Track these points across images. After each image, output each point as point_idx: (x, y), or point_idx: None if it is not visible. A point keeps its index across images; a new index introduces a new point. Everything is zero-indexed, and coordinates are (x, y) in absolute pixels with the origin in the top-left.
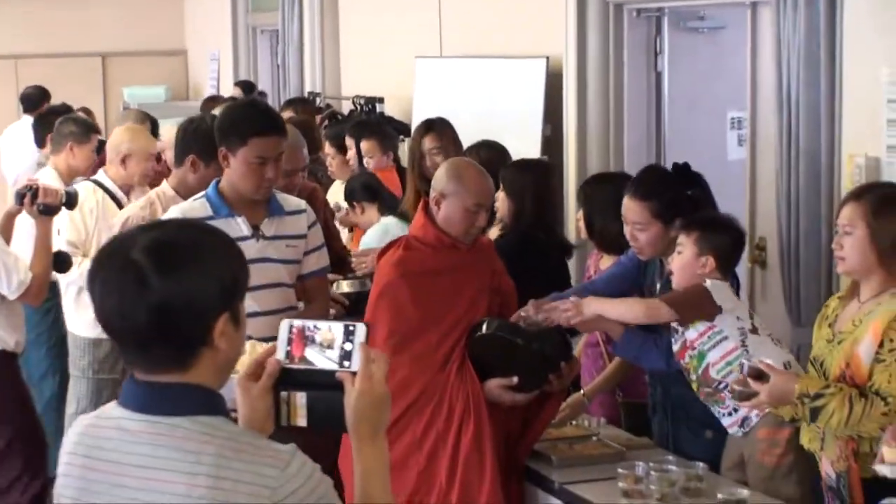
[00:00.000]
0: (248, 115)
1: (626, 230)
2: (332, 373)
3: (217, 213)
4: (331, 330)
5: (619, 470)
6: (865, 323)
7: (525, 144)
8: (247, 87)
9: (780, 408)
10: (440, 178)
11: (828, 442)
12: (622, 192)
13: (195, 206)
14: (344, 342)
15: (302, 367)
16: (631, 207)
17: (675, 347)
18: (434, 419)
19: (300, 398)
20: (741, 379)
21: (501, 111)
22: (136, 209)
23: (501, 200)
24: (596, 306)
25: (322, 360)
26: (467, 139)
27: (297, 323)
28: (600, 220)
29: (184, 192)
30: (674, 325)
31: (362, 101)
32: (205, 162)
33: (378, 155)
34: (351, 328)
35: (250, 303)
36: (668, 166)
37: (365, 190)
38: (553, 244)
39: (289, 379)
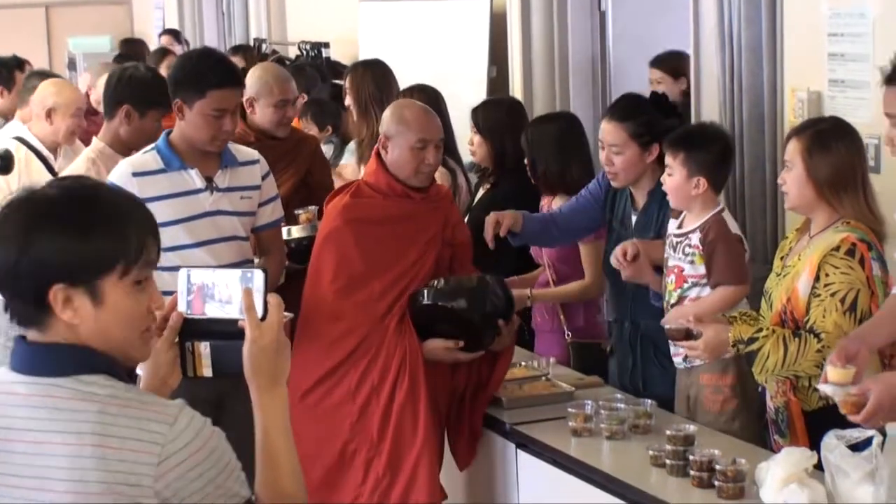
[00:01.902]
0: (206, 66)
1: (602, 156)
2: (234, 321)
3: (168, 166)
4: (228, 286)
5: (569, 409)
6: (804, 257)
7: (471, 86)
8: (175, 36)
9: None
10: (384, 121)
11: (769, 378)
12: (563, 131)
13: (146, 160)
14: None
15: (205, 316)
16: (608, 129)
17: (671, 278)
18: (369, 372)
19: (204, 348)
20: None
21: (446, 53)
22: (76, 170)
23: (478, 144)
24: (689, 310)
25: (223, 312)
26: (414, 82)
27: (195, 276)
28: (542, 161)
29: (119, 148)
30: (689, 255)
31: (308, 47)
32: (140, 113)
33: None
34: (248, 275)
35: (206, 257)
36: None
37: None
38: None
39: (193, 329)
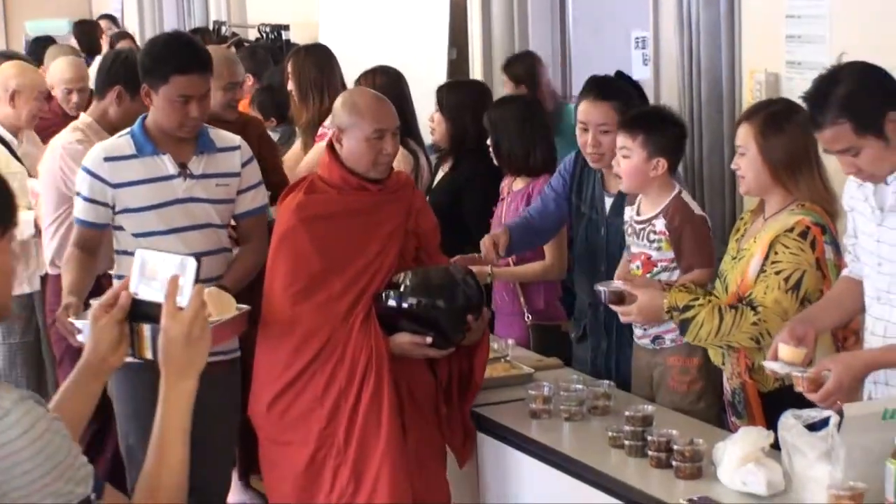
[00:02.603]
0: (170, 51)
1: (585, 138)
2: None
3: (141, 152)
4: (166, 272)
5: (528, 391)
6: (759, 240)
7: (431, 68)
8: (113, 20)
9: None
10: (336, 112)
11: (726, 359)
12: (527, 113)
13: (119, 144)
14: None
15: (151, 299)
16: (592, 110)
17: (637, 264)
18: (336, 375)
19: (146, 330)
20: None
21: (407, 35)
22: (66, 139)
23: (438, 123)
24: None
25: (159, 297)
26: (374, 64)
27: (148, 258)
28: (507, 143)
29: (106, 126)
30: (655, 242)
31: (267, 29)
32: (131, 95)
33: None
34: (183, 263)
35: (177, 244)
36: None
37: None
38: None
39: (141, 311)
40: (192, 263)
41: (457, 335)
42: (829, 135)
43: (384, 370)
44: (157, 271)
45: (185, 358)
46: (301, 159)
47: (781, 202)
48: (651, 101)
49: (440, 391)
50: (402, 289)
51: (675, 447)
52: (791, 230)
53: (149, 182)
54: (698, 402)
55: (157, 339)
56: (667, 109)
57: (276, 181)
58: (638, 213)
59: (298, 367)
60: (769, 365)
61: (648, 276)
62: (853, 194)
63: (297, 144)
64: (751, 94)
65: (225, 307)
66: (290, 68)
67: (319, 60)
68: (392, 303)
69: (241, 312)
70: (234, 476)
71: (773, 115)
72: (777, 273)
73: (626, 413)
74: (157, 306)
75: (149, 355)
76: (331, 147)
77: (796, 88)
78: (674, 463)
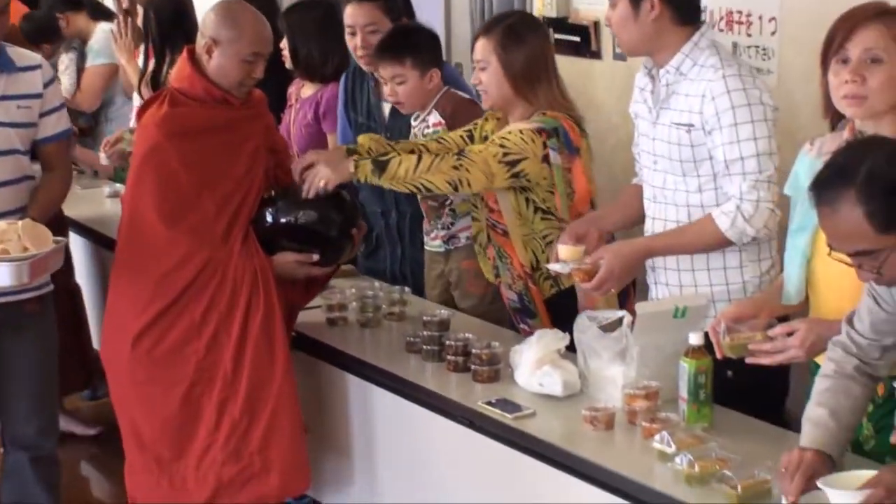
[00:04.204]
0: None
1: (354, 42)
2: None
3: None
4: None
5: (323, 298)
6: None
7: None
8: None
9: None
10: (211, 22)
11: (502, 270)
12: (326, 19)
13: None
14: None
15: None
16: (358, 13)
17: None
18: (216, 300)
19: None
20: None
21: None
22: None
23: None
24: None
25: None
26: None
27: None
28: (305, 47)
29: None
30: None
31: None
32: None
33: None
34: None
35: None
36: None
37: None
38: None
39: None
40: None
41: (345, 249)
42: None
43: (272, 291)
44: None
45: None
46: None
47: (523, 114)
48: (442, 10)
49: None
50: (278, 201)
51: (473, 351)
52: (529, 127)
53: None
54: (495, 301)
55: None
56: (413, 24)
57: None
58: (415, 119)
59: (170, 296)
60: (552, 267)
61: None
62: (636, 99)
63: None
64: (541, 1)
65: (41, 240)
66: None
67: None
68: (273, 219)
69: (58, 245)
70: None
71: (512, 27)
72: (501, 145)
73: (424, 318)
74: None
75: None
76: (191, 57)
77: None
78: (471, 367)
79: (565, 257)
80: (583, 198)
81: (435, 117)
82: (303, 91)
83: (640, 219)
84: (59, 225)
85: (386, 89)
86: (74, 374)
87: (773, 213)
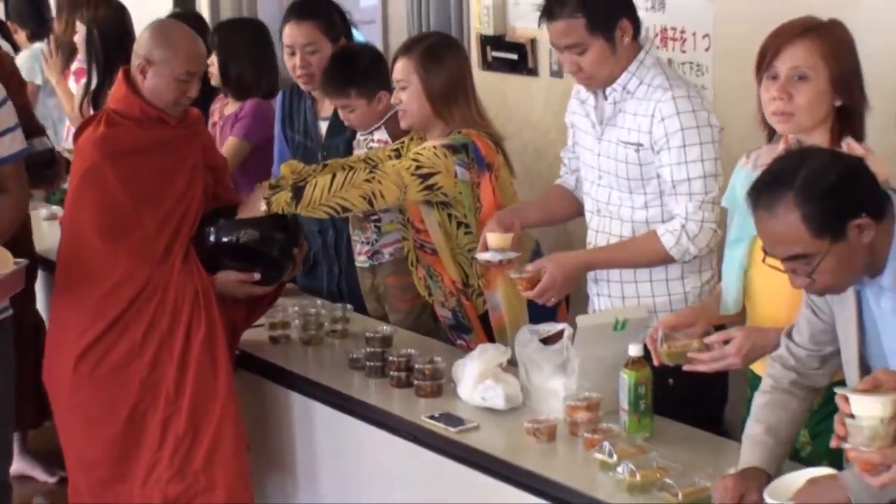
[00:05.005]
0: None
1: (293, 62)
2: None
3: None
4: None
5: (266, 317)
6: None
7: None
8: None
9: None
10: (145, 42)
11: (434, 289)
12: (257, 38)
13: None
14: None
15: None
16: (296, 32)
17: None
18: (157, 319)
19: None
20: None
21: None
22: None
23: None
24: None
25: None
26: None
27: None
28: (237, 66)
29: None
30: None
31: None
32: None
33: None
34: None
35: None
36: None
37: None
38: None
39: None
40: None
41: (286, 269)
42: (560, 27)
43: (214, 311)
44: None
45: None
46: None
47: (442, 132)
48: (380, 28)
49: None
50: (221, 224)
51: (416, 366)
52: (440, 143)
53: None
54: (421, 315)
55: None
56: (355, 47)
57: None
58: (360, 134)
59: (112, 315)
60: (482, 256)
61: None
62: (575, 110)
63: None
64: (478, 20)
65: (1, 262)
66: None
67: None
68: (224, 238)
69: (18, 268)
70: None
71: (432, 48)
72: (414, 159)
73: (367, 335)
74: None
75: None
76: (126, 78)
77: (522, 14)
78: (414, 382)
79: (494, 245)
80: (489, 212)
81: (382, 134)
82: (226, 109)
83: (559, 220)
84: (24, 250)
85: (341, 113)
86: (33, 410)
87: (716, 234)
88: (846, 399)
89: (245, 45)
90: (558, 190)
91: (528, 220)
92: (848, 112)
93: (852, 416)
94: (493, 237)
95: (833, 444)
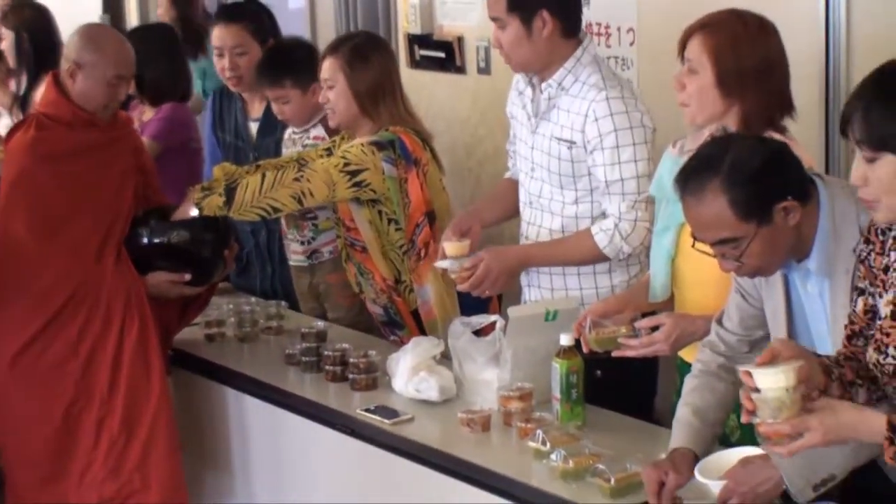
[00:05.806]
0: None
1: (222, 63)
2: None
3: None
4: None
5: (201, 315)
6: None
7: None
8: None
9: None
10: (74, 46)
11: (364, 286)
12: (170, 41)
13: None
14: None
15: None
16: (226, 34)
17: None
18: (91, 320)
19: None
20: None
21: None
22: None
23: None
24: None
25: None
26: None
27: None
28: (153, 71)
29: None
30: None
31: None
32: None
33: None
34: None
35: None
36: None
37: None
38: None
39: None
40: None
41: (217, 269)
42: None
43: (146, 312)
44: None
45: None
46: None
47: (370, 130)
48: (308, 26)
49: None
50: (152, 225)
51: (351, 360)
52: (367, 140)
53: None
54: (362, 313)
55: None
56: (289, 40)
57: None
58: (295, 132)
59: (47, 315)
60: (439, 264)
61: None
62: (514, 101)
63: None
64: (406, 18)
65: None
66: None
67: None
68: (156, 240)
69: None
70: None
71: (358, 47)
72: (342, 157)
73: (302, 330)
74: None
75: None
76: (55, 81)
77: (450, 12)
78: (350, 376)
79: (451, 253)
80: (417, 207)
81: (318, 131)
82: (144, 115)
83: (516, 211)
84: None
85: (274, 107)
86: None
87: (649, 232)
88: (750, 375)
89: (158, 50)
90: (508, 183)
91: (486, 220)
92: (751, 114)
93: (758, 391)
94: (450, 246)
95: (744, 419)
